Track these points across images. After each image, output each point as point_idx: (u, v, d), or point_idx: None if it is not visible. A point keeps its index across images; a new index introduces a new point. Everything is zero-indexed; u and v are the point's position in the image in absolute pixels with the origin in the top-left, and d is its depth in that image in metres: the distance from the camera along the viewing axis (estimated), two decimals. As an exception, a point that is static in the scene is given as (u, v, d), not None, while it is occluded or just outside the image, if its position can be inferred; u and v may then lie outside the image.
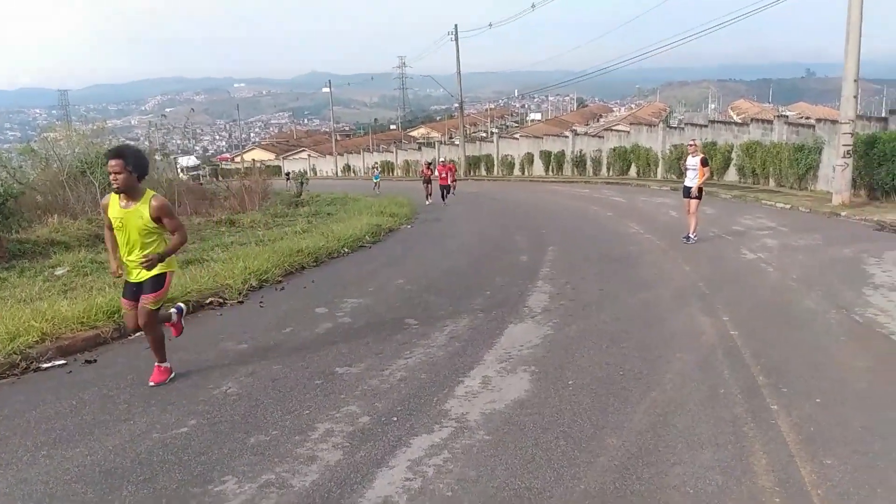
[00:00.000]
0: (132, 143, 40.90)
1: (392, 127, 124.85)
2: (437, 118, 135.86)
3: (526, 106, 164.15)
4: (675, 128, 32.08)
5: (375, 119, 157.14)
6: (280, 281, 10.01)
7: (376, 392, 5.15)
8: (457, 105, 51.98)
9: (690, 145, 12.57)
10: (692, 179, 12.10)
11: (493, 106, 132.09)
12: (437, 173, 25.87)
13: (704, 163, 12.07)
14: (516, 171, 44.05)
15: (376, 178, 37.18)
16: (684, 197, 12.41)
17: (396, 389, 5.19)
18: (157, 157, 35.59)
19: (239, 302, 8.71)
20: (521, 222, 17.22)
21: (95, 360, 6.27)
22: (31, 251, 13.24)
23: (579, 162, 37.84)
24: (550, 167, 40.49)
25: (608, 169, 35.58)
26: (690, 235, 12.09)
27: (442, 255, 12.41)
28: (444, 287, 9.13)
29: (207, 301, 8.62)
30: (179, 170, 46.00)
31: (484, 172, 47.36)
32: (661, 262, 10.47)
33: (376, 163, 55.43)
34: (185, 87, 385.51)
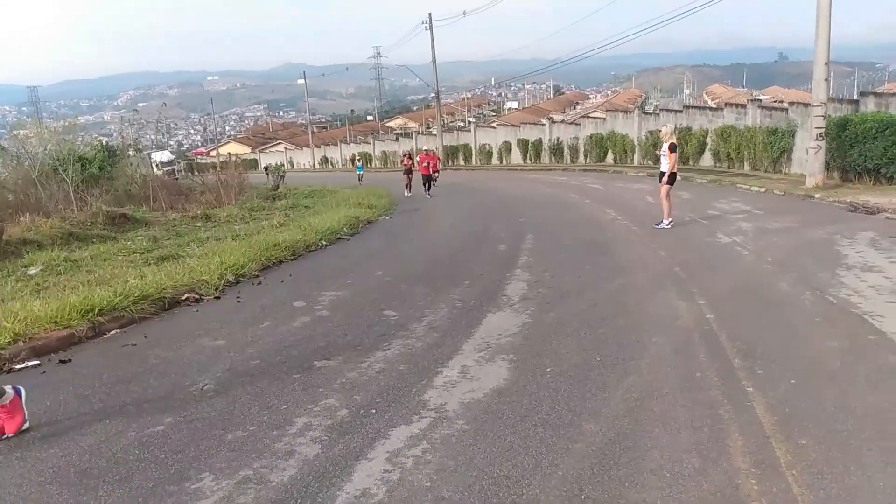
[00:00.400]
0: (104, 139, 40.37)
1: (369, 118, 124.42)
2: (414, 108, 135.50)
3: (503, 95, 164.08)
4: (651, 114, 32.22)
5: (352, 110, 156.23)
6: (257, 276, 9.93)
7: (355, 384, 5.13)
8: (433, 95, 51.85)
9: (661, 133, 12.68)
10: (665, 165, 12.27)
11: (469, 95, 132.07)
12: (418, 163, 25.63)
13: (672, 149, 12.17)
14: (494, 160, 44.09)
15: (360, 170, 35.90)
16: (659, 182, 12.53)
17: (375, 381, 5.18)
18: (130, 153, 35.29)
19: (216, 297, 8.63)
20: (500, 211, 17.24)
21: (70, 360, 6.17)
22: (3, 251, 13.00)
23: (556, 150, 37.93)
24: (528, 155, 40.56)
25: (585, 156, 35.70)
26: (664, 221, 12.19)
27: (420, 246, 12.40)
28: (423, 278, 9.12)
29: (183, 297, 8.53)
30: (154, 165, 45.40)
31: (462, 162, 47.33)
32: (637, 248, 10.53)
33: (357, 154, 55.11)
34: (158, 80, 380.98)
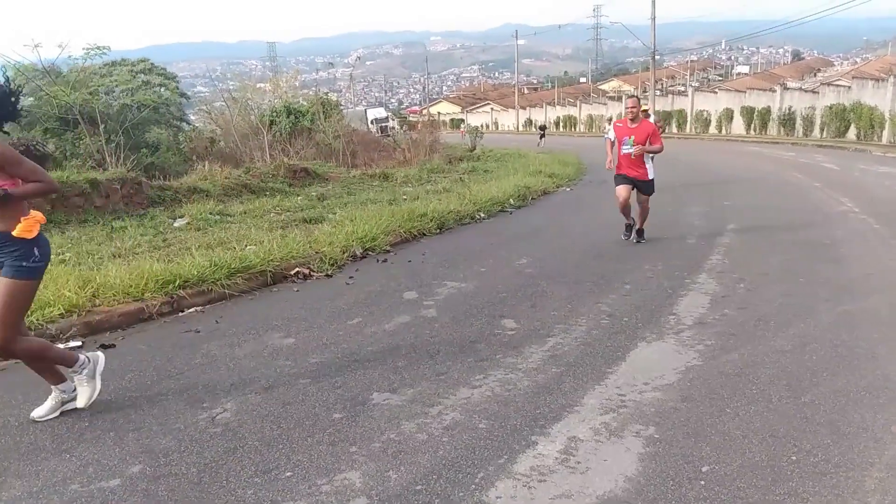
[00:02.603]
0: (335, 94, 41.97)
1: (582, 80, 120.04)
2: (633, 71, 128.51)
3: (733, 58, 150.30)
4: (911, 82, 26.58)
5: (566, 72, 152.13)
6: (389, 250, 8.63)
7: (400, 450, 3.49)
8: (655, 57, 47.69)
9: None
10: None
11: (695, 58, 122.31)
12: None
13: None
14: (712, 129, 39.67)
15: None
16: None
17: (431, 448, 3.50)
18: (345, 109, 36.25)
19: (327, 275, 7.41)
20: (701, 190, 14.51)
21: (113, 346, 5.19)
22: (171, 199, 12.94)
23: (787, 120, 32.94)
24: (753, 125, 35.82)
25: (821, 130, 30.55)
26: None
27: (588, 227, 10.36)
28: (573, 273, 7.20)
29: (293, 271, 7.42)
30: (369, 122, 46.48)
31: (675, 130, 43.23)
32: (877, 257, 7.72)
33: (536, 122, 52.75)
34: (385, 40, 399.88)
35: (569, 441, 3.54)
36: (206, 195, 13.28)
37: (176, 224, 10.50)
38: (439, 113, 74.11)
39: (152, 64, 26.88)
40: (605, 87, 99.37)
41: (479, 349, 4.93)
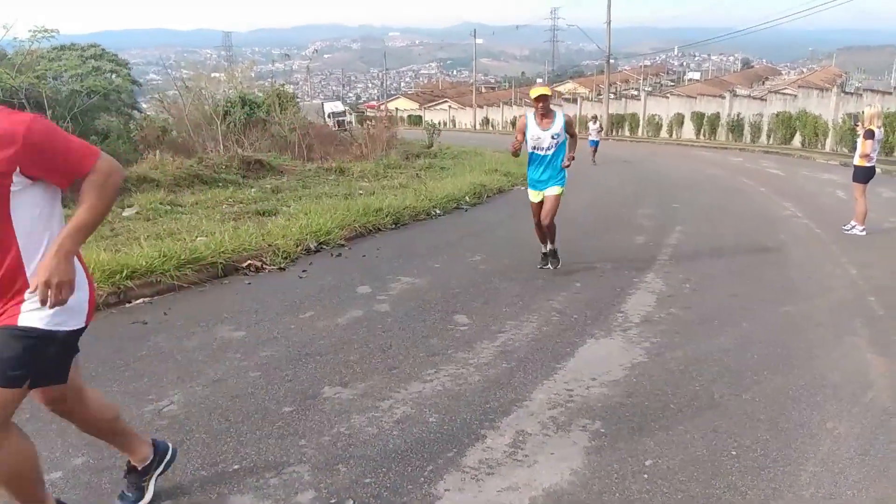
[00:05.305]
0: (291, 87, 41.39)
1: (539, 81, 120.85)
2: (588, 74, 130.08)
3: (685, 64, 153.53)
4: (852, 93, 27.53)
5: (523, 72, 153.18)
6: (343, 245, 8.58)
7: (350, 443, 3.49)
8: (610, 61, 48.37)
9: (864, 115, 9.75)
10: (857, 156, 9.57)
11: (648, 63, 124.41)
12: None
13: (869, 135, 9.32)
14: (663, 133, 40.47)
15: (593, 143, 23.17)
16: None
17: (381, 441, 3.52)
18: (301, 101, 35.81)
19: (280, 268, 7.34)
20: (652, 192, 14.82)
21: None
22: (120, 188, 12.60)
23: (735, 126, 33.85)
24: (702, 131, 36.69)
25: (768, 136, 31.49)
26: (855, 226, 9.47)
27: (544, 226, 10.49)
28: (525, 270, 7.29)
29: (244, 264, 7.33)
30: (326, 115, 45.98)
31: (627, 133, 43.99)
32: (818, 260, 8.01)
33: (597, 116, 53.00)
34: (343, 34, 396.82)
35: (517, 435, 3.59)
36: (157, 185, 12.98)
37: (125, 213, 10.26)
38: (397, 109, 73.91)
39: (103, 49, 26.16)
40: (562, 88, 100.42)
41: (432, 344, 4.96)
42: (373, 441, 3.50)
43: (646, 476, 3.20)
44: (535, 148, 6.95)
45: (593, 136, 23.32)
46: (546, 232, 7.15)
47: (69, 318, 2.34)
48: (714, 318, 5.68)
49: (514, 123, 53.84)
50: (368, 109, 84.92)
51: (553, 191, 7.00)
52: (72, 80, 21.94)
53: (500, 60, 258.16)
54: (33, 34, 18.54)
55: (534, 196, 7.21)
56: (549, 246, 7.30)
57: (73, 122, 17.43)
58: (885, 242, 8.99)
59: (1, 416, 2.22)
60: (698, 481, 3.16)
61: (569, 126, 7.02)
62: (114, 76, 24.53)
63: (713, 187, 15.93)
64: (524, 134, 6.95)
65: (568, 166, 6.98)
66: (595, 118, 25.19)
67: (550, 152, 6.92)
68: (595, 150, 22.98)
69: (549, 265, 7.30)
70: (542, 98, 6.80)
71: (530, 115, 7.01)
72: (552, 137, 6.87)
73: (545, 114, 6.84)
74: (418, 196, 11.70)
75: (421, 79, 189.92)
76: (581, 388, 4.18)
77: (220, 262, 7.03)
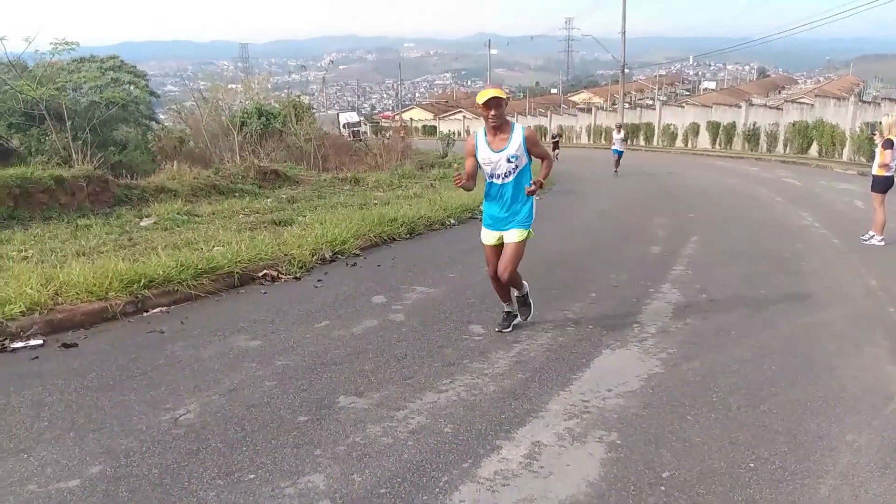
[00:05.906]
0: (307, 97, 41.67)
1: (553, 91, 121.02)
2: (603, 83, 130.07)
3: (700, 74, 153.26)
4: (870, 102, 27.28)
5: (537, 82, 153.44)
6: (358, 254, 8.61)
7: (365, 453, 3.49)
8: (624, 70, 48.38)
9: (883, 124, 9.69)
10: (875, 166, 9.52)
11: (663, 73, 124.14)
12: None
13: (888, 145, 9.25)
14: (678, 143, 40.31)
15: (617, 152, 23.07)
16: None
17: (396, 451, 3.51)
18: (317, 112, 36.06)
19: (295, 278, 7.38)
20: (667, 202, 14.75)
21: (76, 345, 5.10)
22: (138, 198, 12.76)
23: (751, 136, 33.65)
24: (718, 140, 36.49)
25: (785, 146, 31.25)
26: (875, 236, 9.37)
27: (555, 236, 10.43)
28: (540, 280, 7.23)
29: (260, 273, 7.37)
30: (342, 126, 46.22)
31: (643, 142, 43.85)
32: (836, 270, 7.94)
33: (620, 126, 53.10)
34: (359, 45, 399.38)
35: (533, 446, 3.58)
36: (174, 195, 13.13)
37: (142, 223, 10.37)
38: (412, 119, 74.12)
39: (122, 61, 26.47)
40: (576, 98, 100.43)
41: (447, 354, 4.96)
42: (388, 451, 3.50)
43: (663, 488, 3.18)
44: (490, 176, 5.25)
45: (617, 146, 23.03)
46: (506, 285, 5.47)
47: None
48: (731, 328, 5.63)
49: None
50: (383, 120, 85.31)
51: (513, 235, 5.32)
52: (91, 91, 22.22)
53: (515, 70, 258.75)
54: (54, 47, 18.80)
55: (487, 237, 5.49)
56: (514, 294, 5.63)
57: (91, 132, 17.66)
58: (904, 253, 8.89)
59: None
60: (716, 494, 3.13)
61: (531, 145, 5.22)
62: (132, 87, 24.80)
63: (728, 197, 15.82)
64: (475, 157, 5.27)
65: (533, 192, 5.19)
66: (619, 127, 24.96)
67: (510, 179, 5.19)
68: (618, 160, 22.66)
69: (519, 317, 5.65)
70: (494, 103, 5.01)
71: (480, 132, 5.30)
72: (508, 161, 5.12)
73: (498, 126, 5.10)
74: (433, 206, 11.73)
75: (435, 89, 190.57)
76: (597, 399, 4.16)
77: (237, 272, 7.08)
